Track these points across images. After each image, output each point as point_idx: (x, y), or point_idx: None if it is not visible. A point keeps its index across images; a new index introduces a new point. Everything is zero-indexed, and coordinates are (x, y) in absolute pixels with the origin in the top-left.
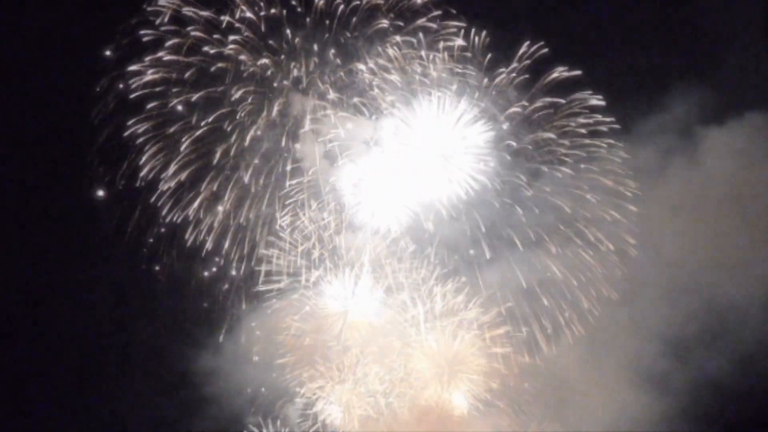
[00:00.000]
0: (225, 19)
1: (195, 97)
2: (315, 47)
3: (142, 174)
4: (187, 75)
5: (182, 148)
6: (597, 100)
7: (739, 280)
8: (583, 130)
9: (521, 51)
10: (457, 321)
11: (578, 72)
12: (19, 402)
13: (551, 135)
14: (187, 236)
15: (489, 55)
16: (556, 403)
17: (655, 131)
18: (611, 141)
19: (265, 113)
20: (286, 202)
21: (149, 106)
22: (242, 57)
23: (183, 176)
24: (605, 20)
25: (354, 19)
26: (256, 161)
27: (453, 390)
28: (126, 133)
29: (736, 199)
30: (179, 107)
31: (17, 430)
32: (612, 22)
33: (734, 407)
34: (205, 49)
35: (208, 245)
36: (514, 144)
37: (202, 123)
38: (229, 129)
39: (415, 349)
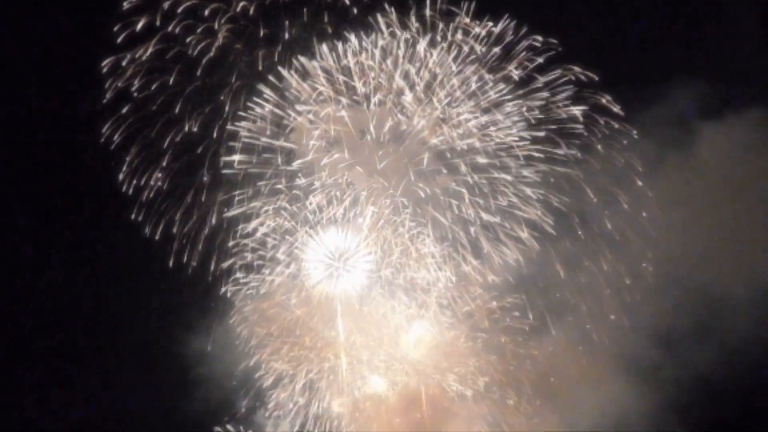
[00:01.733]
0: (219, 6)
1: (188, 89)
2: (313, 38)
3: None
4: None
5: (168, 145)
6: (613, 106)
7: (731, 274)
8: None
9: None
10: (451, 310)
11: (594, 76)
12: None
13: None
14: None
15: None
16: (546, 393)
17: (651, 124)
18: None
19: (258, 103)
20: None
21: (141, 95)
22: (237, 46)
23: (175, 167)
24: (605, 12)
25: (354, 10)
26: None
27: (444, 378)
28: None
29: (731, 193)
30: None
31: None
32: (612, 15)
33: (722, 401)
34: (191, 39)
35: (203, 235)
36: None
37: (191, 119)
38: (219, 122)
39: (407, 336)
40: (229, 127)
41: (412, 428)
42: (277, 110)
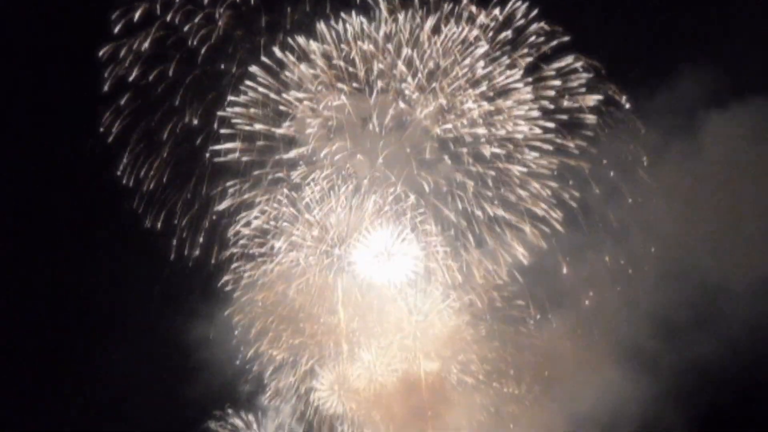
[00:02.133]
0: None
1: (189, 78)
2: (316, 23)
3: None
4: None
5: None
6: (618, 96)
7: (733, 264)
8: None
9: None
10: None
11: (598, 64)
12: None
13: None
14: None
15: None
16: (545, 381)
17: (655, 112)
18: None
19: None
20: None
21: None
22: (238, 32)
23: (175, 157)
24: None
25: None
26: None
27: (445, 365)
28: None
29: (734, 183)
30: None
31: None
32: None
33: (719, 390)
34: (190, 27)
35: (203, 225)
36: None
37: (192, 108)
38: (220, 111)
39: (408, 323)
40: (228, 114)
41: (412, 415)
42: (277, 97)
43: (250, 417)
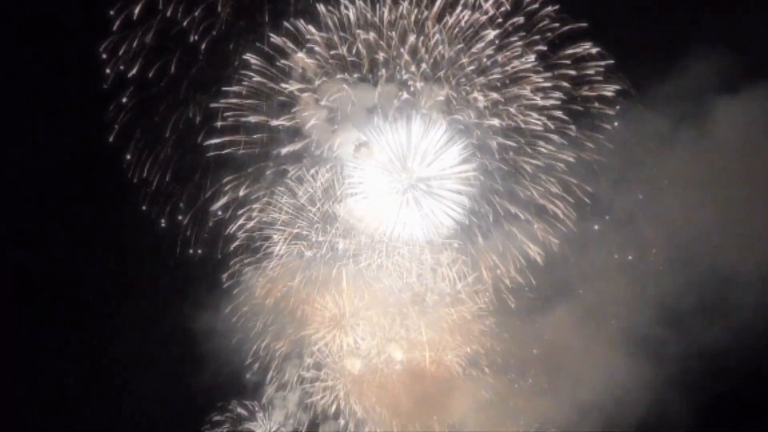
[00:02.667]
0: None
1: (192, 71)
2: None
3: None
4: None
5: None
6: (624, 84)
7: (741, 251)
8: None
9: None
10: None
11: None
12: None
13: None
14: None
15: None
16: (549, 368)
17: (666, 97)
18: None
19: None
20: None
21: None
22: (240, 23)
23: (179, 152)
24: None
25: None
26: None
27: (447, 353)
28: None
29: (744, 169)
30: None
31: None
32: None
33: (726, 379)
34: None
35: (208, 219)
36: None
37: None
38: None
39: (412, 313)
40: (231, 106)
41: (417, 405)
42: (280, 88)
43: (256, 407)
